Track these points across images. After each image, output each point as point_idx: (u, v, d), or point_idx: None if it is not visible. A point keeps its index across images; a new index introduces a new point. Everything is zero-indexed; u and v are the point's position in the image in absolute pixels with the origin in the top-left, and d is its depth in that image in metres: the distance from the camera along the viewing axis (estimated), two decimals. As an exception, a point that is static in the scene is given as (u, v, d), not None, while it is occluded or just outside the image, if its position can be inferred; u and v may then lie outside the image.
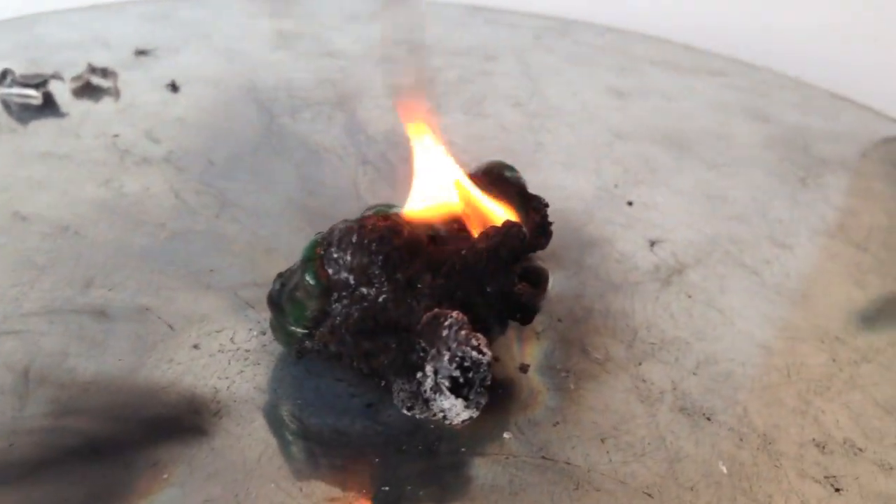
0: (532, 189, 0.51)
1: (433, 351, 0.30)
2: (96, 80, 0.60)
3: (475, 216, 0.36)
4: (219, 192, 0.48)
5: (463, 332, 0.30)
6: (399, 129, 0.56)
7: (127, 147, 0.52)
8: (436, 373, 0.30)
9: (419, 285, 0.33)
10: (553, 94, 0.64)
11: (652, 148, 0.58)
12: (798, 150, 0.59)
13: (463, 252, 0.33)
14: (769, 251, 0.48)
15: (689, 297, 0.44)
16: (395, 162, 0.53)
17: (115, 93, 0.59)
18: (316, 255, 0.33)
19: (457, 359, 0.30)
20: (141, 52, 0.64)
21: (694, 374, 0.39)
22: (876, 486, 0.34)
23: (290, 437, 0.34)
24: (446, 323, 0.30)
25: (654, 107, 0.63)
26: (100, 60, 0.61)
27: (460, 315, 0.31)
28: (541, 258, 0.44)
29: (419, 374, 0.31)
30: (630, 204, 0.51)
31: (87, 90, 0.59)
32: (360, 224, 0.33)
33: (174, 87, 0.60)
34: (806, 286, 0.45)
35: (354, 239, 0.32)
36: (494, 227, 0.34)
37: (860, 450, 0.36)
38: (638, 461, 0.34)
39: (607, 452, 0.34)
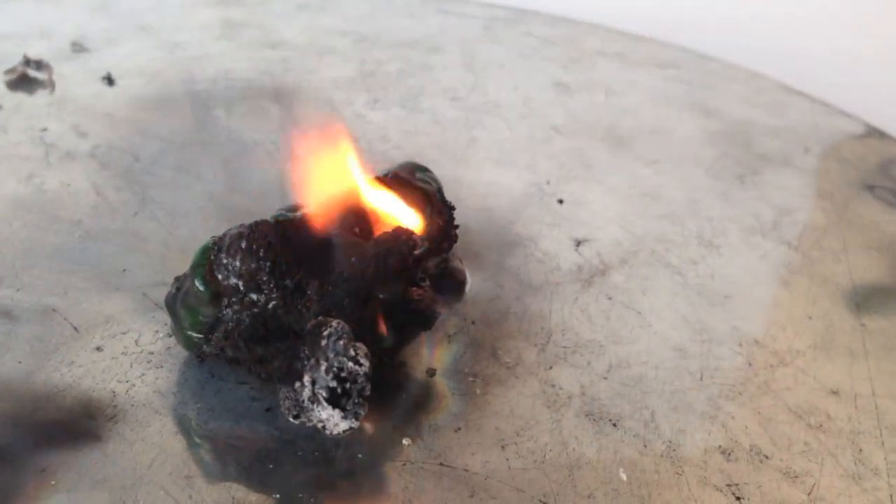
0: (461, 187, 0.50)
1: (312, 360, 0.30)
2: (32, 73, 0.59)
3: (378, 222, 0.35)
4: (140, 189, 0.48)
5: (341, 342, 0.29)
6: (333, 124, 0.56)
7: (53, 141, 0.51)
8: (313, 383, 0.30)
9: (308, 292, 0.32)
10: (494, 89, 0.63)
11: (590, 144, 0.57)
12: (739, 146, 0.59)
13: (352, 259, 0.32)
14: (696, 251, 0.48)
15: (609, 298, 0.43)
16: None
17: (50, 85, 0.58)
18: (206, 261, 0.33)
19: (334, 369, 0.29)
20: (78, 45, 0.63)
21: (605, 378, 0.38)
22: (779, 495, 0.34)
23: (186, 442, 0.34)
24: (325, 332, 0.30)
25: (597, 101, 0.63)
26: (37, 52, 0.61)
27: (341, 324, 0.30)
28: (460, 259, 0.43)
29: (297, 384, 0.30)
30: (561, 202, 0.50)
31: (22, 83, 0.58)
32: (251, 229, 0.32)
33: (110, 80, 0.59)
34: (729, 287, 0.45)
35: (243, 245, 0.32)
36: (385, 234, 0.33)
37: (766, 457, 0.36)
38: (538, 468, 0.34)
39: (507, 459, 0.34)
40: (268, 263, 0.32)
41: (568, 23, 0.76)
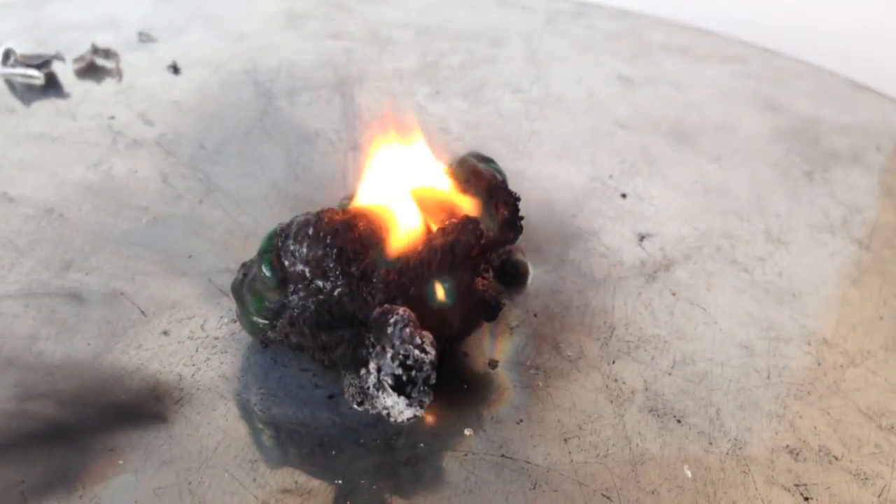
0: (523, 180, 0.50)
1: (378, 348, 0.30)
2: (100, 61, 0.60)
3: (440, 211, 0.35)
4: (205, 177, 0.48)
5: (408, 330, 0.29)
6: (395, 115, 0.56)
7: (120, 129, 0.52)
8: (379, 370, 0.30)
9: (374, 280, 0.32)
10: (557, 81, 0.62)
11: (653, 138, 0.56)
12: (807, 143, 0.57)
13: (419, 248, 0.32)
14: (763, 248, 0.47)
15: (673, 294, 0.43)
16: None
17: (118, 74, 0.59)
18: (273, 247, 0.33)
19: (399, 356, 0.29)
20: (144, 35, 0.64)
21: (669, 374, 0.38)
22: (848, 496, 0.33)
23: (249, 427, 0.34)
24: (392, 320, 0.30)
25: (661, 95, 0.62)
26: (105, 41, 0.62)
27: (407, 312, 0.30)
28: (522, 251, 0.43)
29: (363, 371, 0.30)
30: (624, 196, 0.50)
31: (90, 71, 0.59)
32: (318, 217, 0.32)
33: (175, 69, 0.60)
34: (797, 285, 0.44)
35: (310, 231, 0.32)
36: (452, 224, 0.33)
37: (835, 458, 0.35)
38: (600, 462, 0.33)
39: (569, 452, 0.34)
40: (334, 250, 0.32)
41: (631, 16, 0.75)
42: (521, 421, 0.35)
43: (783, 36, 0.73)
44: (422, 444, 0.33)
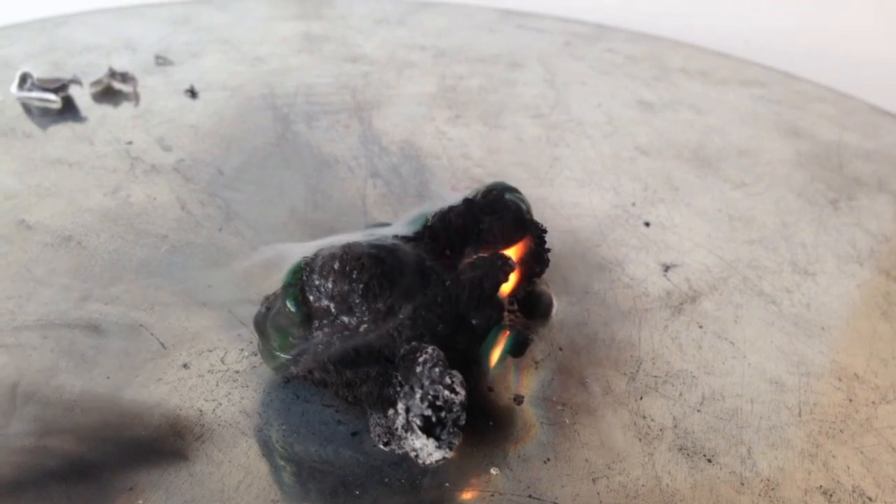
0: (544, 207, 0.49)
1: (406, 388, 0.29)
2: (117, 85, 0.60)
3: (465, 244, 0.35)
4: (224, 204, 0.48)
5: (437, 370, 0.29)
6: (414, 140, 0.55)
7: (138, 154, 0.52)
8: (408, 411, 0.29)
9: (401, 316, 0.31)
10: (576, 106, 0.62)
11: (676, 164, 0.56)
12: (831, 169, 0.56)
13: (446, 283, 0.32)
14: (790, 279, 0.46)
15: (700, 327, 0.42)
16: (405, 175, 0.51)
17: (135, 98, 0.59)
18: (298, 281, 0.32)
19: (429, 397, 0.29)
20: (161, 59, 0.64)
21: (698, 410, 0.37)
22: (885, 540, 0.32)
23: (272, 465, 0.33)
24: (421, 359, 0.29)
25: (682, 120, 0.61)
26: (121, 64, 0.61)
27: (436, 350, 0.29)
28: (546, 282, 0.42)
29: (391, 411, 0.29)
30: (647, 224, 0.49)
31: (107, 94, 0.59)
32: (343, 251, 0.32)
33: (193, 93, 0.60)
34: (827, 318, 0.43)
35: (336, 266, 0.31)
36: (480, 258, 0.32)
37: (869, 499, 0.34)
38: (630, 503, 0.33)
39: (598, 493, 0.33)
40: (360, 286, 0.31)
41: (649, 39, 0.75)
42: (549, 460, 0.34)
43: (802, 60, 0.72)
44: (447, 484, 0.33)
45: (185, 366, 0.37)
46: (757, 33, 0.78)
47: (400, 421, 0.29)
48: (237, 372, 0.37)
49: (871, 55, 0.76)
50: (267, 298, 0.35)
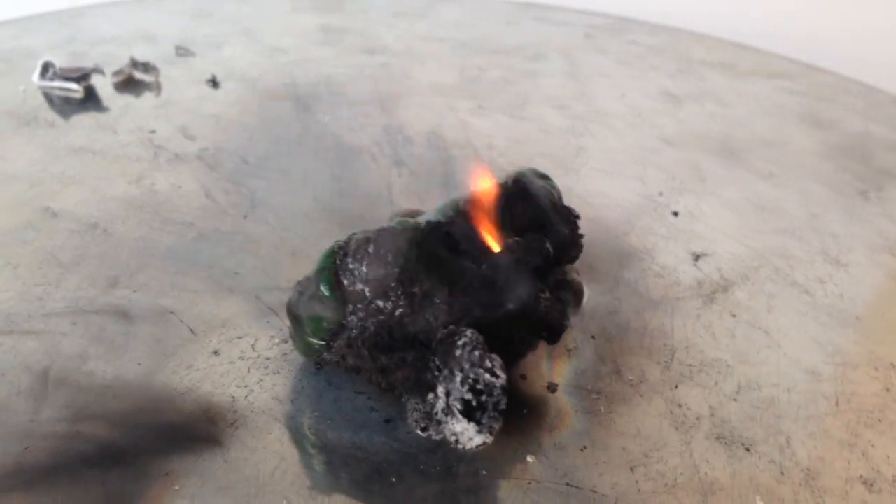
0: (571, 196, 0.49)
1: (445, 371, 0.29)
2: (138, 75, 0.59)
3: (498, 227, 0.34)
4: (249, 192, 0.47)
5: (477, 353, 0.28)
6: (437, 130, 0.55)
7: (161, 143, 0.52)
8: (447, 395, 0.28)
9: (437, 300, 0.31)
10: (600, 97, 0.61)
11: (702, 155, 0.55)
12: (859, 160, 0.56)
13: (483, 267, 0.31)
14: (822, 269, 0.45)
15: (734, 316, 0.41)
16: (430, 164, 0.51)
17: (157, 87, 0.59)
18: (332, 265, 0.32)
19: (469, 381, 0.28)
20: (182, 49, 0.64)
21: (734, 399, 0.36)
22: (927, 530, 0.32)
23: (306, 452, 0.33)
24: (460, 342, 0.29)
25: (707, 111, 0.61)
26: (141, 55, 0.61)
27: (475, 334, 0.29)
28: (576, 270, 0.42)
29: (431, 396, 0.29)
30: (676, 214, 0.49)
31: (129, 84, 0.59)
32: (378, 234, 0.31)
33: (214, 83, 0.59)
34: (860, 308, 0.43)
35: (371, 249, 0.31)
36: (516, 241, 0.32)
37: (911, 489, 0.33)
38: (669, 492, 0.32)
39: (636, 482, 0.32)
40: (396, 270, 0.31)
41: (670, 31, 0.74)
42: (585, 448, 0.34)
43: (825, 52, 0.72)
44: (483, 472, 0.32)
45: (215, 352, 0.37)
46: (779, 26, 0.77)
47: (440, 405, 0.29)
48: (268, 359, 0.37)
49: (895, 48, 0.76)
50: (299, 283, 0.34)
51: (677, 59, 0.69)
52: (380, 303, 0.31)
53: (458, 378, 0.28)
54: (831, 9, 0.81)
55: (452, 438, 0.29)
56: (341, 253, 0.32)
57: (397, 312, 0.31)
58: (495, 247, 0.33)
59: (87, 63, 0.59)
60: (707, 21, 0.75)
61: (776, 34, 0.75)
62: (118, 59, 0.60)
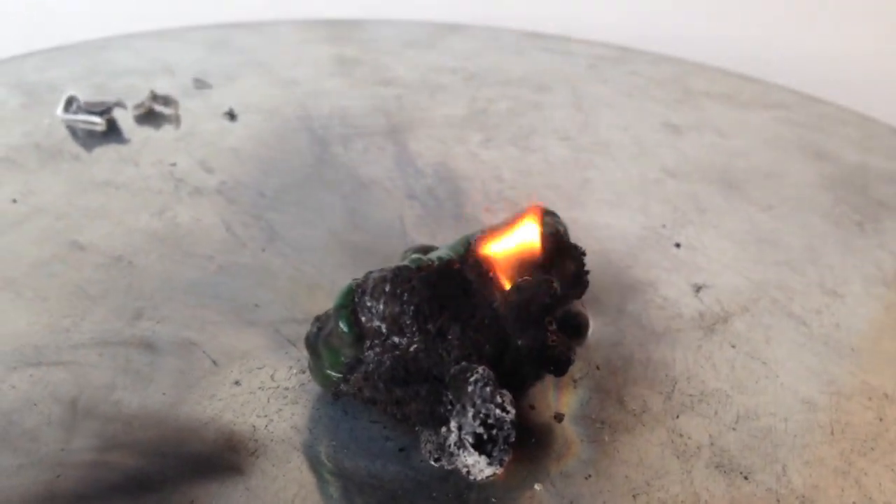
0: (576, 229, 0.51)
1: (458, 406, 0.30)
2: (158, 108, 0.61)
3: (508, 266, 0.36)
4: (267, 225, 0.49)
5: (488, 389, 0.30)
6: (447, 163, 0.57)
7: (182, 176, 0.53)
8: (460, 428, 0.30)
9: (450, 336, 0.33)
10: (604, 128, 0.63)
11: (703, 187, 0.57)
12: (856, 192, 0.58)
13: (494, 305, 0.33)
14: (819, 300, 0.47)
15: (733, 347, 0.43)
16: (441, 197, 0.53)
17: (176, 120, 0.61)
18: (350, 303, 0.34)
19: (481, 415, 0.30)
20: (199, 81, 0.66)
21: (733, 429, 0.38)
22: (917, 556, 0.33)
23: (323, 479, 0.34)
24: (472, 378, 0.30)
25: (707, 143, 0.63)
26: (161, 87, 0.63)
27: (487, 370, 0.31)
28: (581, 303, 0.43)
29: (444, 429, 0.31)
30: (678, 246, 0.50)
31: (149, 117, 0.61)
32: (394, 273, 0.33)
33: (232, 116, 0.61)
34: (856, 339, 0.44)
35: (387, 288, 0.33)
36: (526, 281, 0.34)
37: (902, 516, 0.35)
38: (670, 519, 0.34)
39: (639, 509, 0.34)
40: (411, 308, 0.33)
41: (671, 62, 0.76)
42: (590, 476, 0.35)
43: (824, 83, 0.73)
44: (493, 499, 0.34)
45: (236, 383, 0.39)
46: (779, 57, 0.79)
47: (452, 438, 0.31)
48: (287, 389, 0.38)
49: (893, 78, 0.77)
50: (318, 319, 0.36)
51: (678, 89, 0.71)
52: (396, 339, 0.33)
53: (471, 413, 0.30)
54: (831, 39, 0.83)
55: (464, 470, 0.31)
56: (359, 291, 0.34)
57: (412, 348, 0.33)
58: (505, 286, 0.35)
59: (109, 96, 0.61)
60: (707, 51, 0.77)
61: (776, 63, 0.77)
62: (138, 92, 0.63)
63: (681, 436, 0.38)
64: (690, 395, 0.40)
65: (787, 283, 0.48)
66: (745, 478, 0.36)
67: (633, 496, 0.35)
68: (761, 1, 0.84)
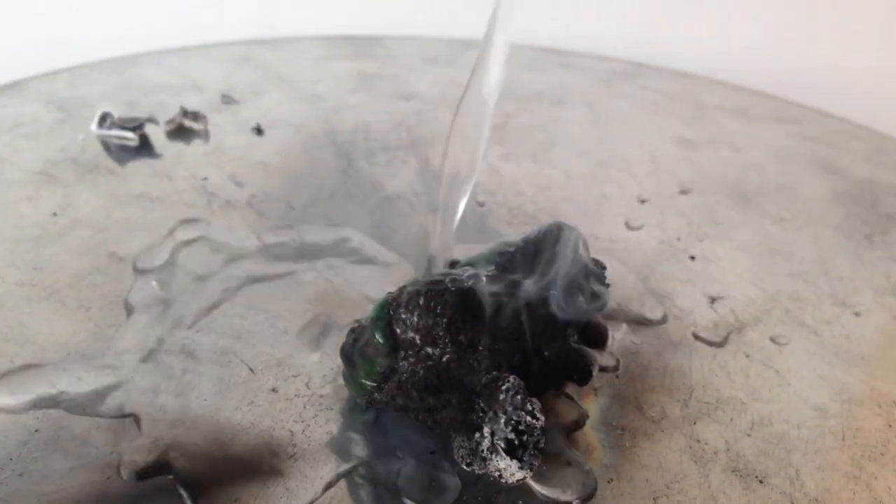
0: (595, 242, 0.52)
1: (491, 413, 0.32)
2: (188, 123, 0.63)
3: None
4: (297, 236, 0.51)
5: (519, 397, 0.32)
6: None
7: (214, 190, 0.56)
8: (493, 434, 0.32)
9: (480, 347, 0.35)
10: (620, 143, 0.65)
11: (717, 200, 0.59)
12: (866, 205, 0.59)
13: (522, 318, 0.35)
14: (830, 311, 0.49)
15: (747, 356, 0.45)
16: (463, 211, 0.55)
17: (206, 135, 0.63)
18: (385, 315, 0.35)
19: (512, 422, 0.32)
20: (227, 97, 0.68)
21: (748, 435, 0.40)
22: (925, 557, 0.35)
23: (358, 483, 0.36)
24: (504, 387, 0.32)
25: (721, 157, 0.64)
26: (190, 102, 0.65)
27: (517, 380, 0.33)
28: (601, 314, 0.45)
29: (477, 435, 0.33)
30: (693, 258, 0.52)
31: (179, 132, 0.63)
32: (428, 288, 0.35)
33: (259, 131, 0.63)
34: (866, 348, 0.46)
35: (422, 301, 0.35)
36: (551, 296, 0.35)
37: (911, 519, 0.36)
38: (688, 521, 0.36)
39: (659, 511, 0.36)
40: (444, 320, 0.34)
41: (686, 78, 0.78)
42: (612, 480, 0.37)
43: (836, 98, 0.75)
44: (520, 502, 0.36)
45: (273, 390, 0.40)
46: (791, 71, 0.81)
47: (485, 444, 0.32)
48: (321, 396, 0.40)
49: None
50: (353, 330, 0.38)
51: (693, 104, 0.73)
52: (429, 349, 0.35)
53: (503, 419, 0.32)
54: (842, 54, 0.84)
55: (496, 474, 0.33)
56: (394, 304, 0.36)
57: (444, 358, 0.35)
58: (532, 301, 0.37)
59: (141, 112, 0.63)
60: (719, 66, 0.79)
61: (789, 79, 0.79)
62: (168, 107, 0.65)
63: (698, 441, 0.39)
64: (707, 403, 0.42)
65: (800, 294, 0.50)
66: (761, 482, 0.38)
67: (654, 499, 0.36)
68: (773, 17, 0.86)
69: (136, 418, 0.38)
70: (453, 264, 0.42)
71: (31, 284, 0.46)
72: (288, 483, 0.36)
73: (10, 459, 0.35)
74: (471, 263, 0.39)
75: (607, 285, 0.41)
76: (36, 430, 0.37)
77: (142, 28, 0.82)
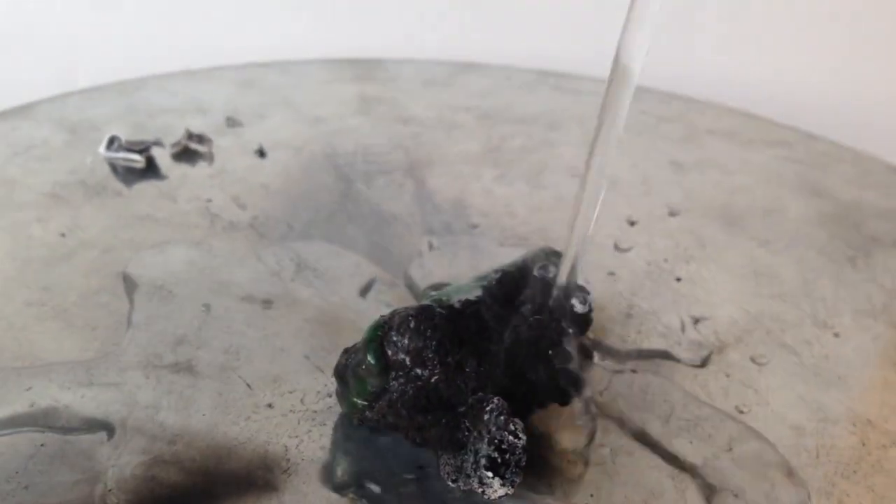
0: (584, 264, 0.54)
1: (475, 432, 0.34)
2: (193, 146, 0.66)
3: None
4: (296, 257, 0.53)
5: (502, 418, 0.34)
6: (463, 199, 0.61)
7: (217, 212, 0.57)
8: (476, 452, 0.34)
9: (467, 369, 0.37)
10: (613, 165, 0.67)
11: (704, 222, 0.60)
12: (850, 228, 0.61)
13: (507, 342, 0.37)
14: (810, 332, 0.50)
15: (727, 376, 0.46)
16: (457, 233, 0.57)
17: (210, 158, 0.65)
18: (377, 337, 0.37)
19: (495, 441, 0.33)
20: (231, 120, 0.70)
21: (726, 451, 0.41)
22: (893, 571, 0.36)
23: (350, 498, 0.38)
24: (488, 408, 0.34)
25: (709, 180, 0.66)
26: (195, 125, 0.67)
27: (501, 401, 0.34)
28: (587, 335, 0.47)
29: (462, 452, 0.34)
30: (678, 280, 0.54)
31: (184, 155, 0.65)
32: (418, 311, 0.37)
33: (262, 153, 0.65)
34: (843, 368, 0.48)
35: (412, 325, 0.36)
36: (536, 320, 0.37)
37: (880, 534, 0.38)
38: (665, 535, 0.37)
39: (636, 526, 0.37)
40: (433, 343, 0.36)
41: (678, 99, 0.80)
42: (592, 495, 0.39)
43: (824, 119, 0.77)
44: (504, 513, 0.37)
45: (269, 405, 0.42)
46: (782, 93, 0.83)
47: (470, 461, 0.34)
48: (315, 412, 0.42)
49: (891, 115, 0.81)
50: (346, 351, 0.40)
51: (684, 127, 0.75)
52: (418, 370, 0.37)
53: (486, 439, 0.34)
54: (831, 76, 0.86)
55: (480, 490, 0.35)
56: (386, 327, 0.37)
57: (433, 379, 0.37)
58: (517, 325, 0.39)
59: (147, 134, 0.65)
60: (712, 88, 0.80)
61: (778, 101, 0.80)
62: (174, 129, 0.67)
63: (676, 458, 0.41)
64: (687, 420, 0.43)
65: (781, 315, 0.52)
66: (736, 496, 0.39)
67: (632, 513, 0.38)
68: (764, 41, 0.88)
69: (137, 432, 0.40)
70: (438, 288, 0.44)
71: (39, 304, 0.48)
72: (282, 497, 0.37)
73: (17, 472, 0.37)
74: (457, 290, 0.41)
75: (591, 310, 0.43)
76: (42, 445, 0.39)
77: (148, 51, 0.84)
